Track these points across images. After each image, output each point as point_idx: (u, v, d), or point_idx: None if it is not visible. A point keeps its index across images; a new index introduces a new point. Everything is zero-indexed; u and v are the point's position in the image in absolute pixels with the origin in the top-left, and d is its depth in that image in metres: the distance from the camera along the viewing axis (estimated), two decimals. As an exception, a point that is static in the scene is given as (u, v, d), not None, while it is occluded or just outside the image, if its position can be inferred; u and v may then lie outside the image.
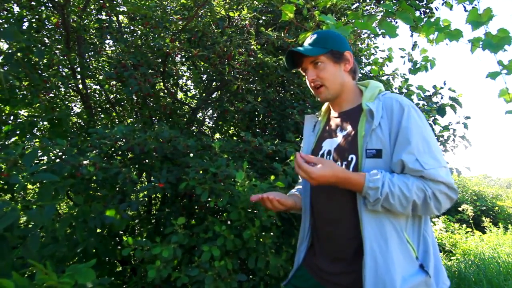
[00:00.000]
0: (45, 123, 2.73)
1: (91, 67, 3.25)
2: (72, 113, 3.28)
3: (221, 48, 2.83)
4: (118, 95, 3.40)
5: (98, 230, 2.06)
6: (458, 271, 3.28)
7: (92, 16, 3.20)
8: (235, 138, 3.25)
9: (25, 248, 1.21)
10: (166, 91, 3.25)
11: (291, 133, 2.61)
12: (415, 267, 1.00)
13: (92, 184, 2.11)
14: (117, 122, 3.25)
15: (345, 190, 1.05)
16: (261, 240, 1.86)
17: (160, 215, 2.53)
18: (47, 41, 2.87)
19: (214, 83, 3.59)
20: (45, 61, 2.62)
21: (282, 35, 2.96)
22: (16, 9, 2.74)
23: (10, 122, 2.55)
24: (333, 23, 1.72)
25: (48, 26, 2.88)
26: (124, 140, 2.01)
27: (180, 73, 3.62)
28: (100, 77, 3.37)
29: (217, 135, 3.71)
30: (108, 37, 2.86)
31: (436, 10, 5.19)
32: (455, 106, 2.95)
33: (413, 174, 0.99)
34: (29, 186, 3.21)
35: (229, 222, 1.92)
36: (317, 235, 1.22)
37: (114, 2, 2.97)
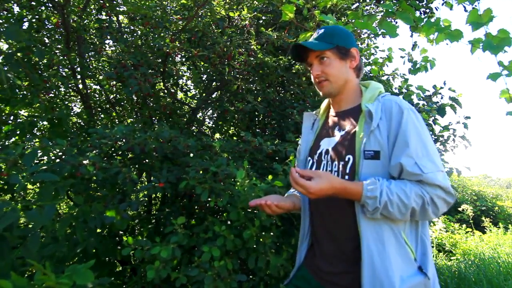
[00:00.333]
0: (45, 123, 2.74)
1: (91, 67, 3.25)
2: (72, 113, 3.28)
3: (221, 48, 2.83)
4: (118, 95, 3.40)
5: (98, 230, 2.06)
6: (458, 271, 3.28)
7: (92, 16, 3.20)
8: (235, 138, 3.25)
9: (25, 248, 1.21)
10: (166, 91, 3.25)
11: (291, 133, 2.61)
12: (413, 269, 1.00)
13: (92, 184, 2.11)
14: (117, 122, 3.25)
15: None
16: (261, 240, 1.86)
17: (160, 215, 2.53)
18: (47, 41, 2.87)
19: (214, 83, 3.59)
20: (45, 61, 2.62)
21: (282, 35, 2.96)
22: (16, 9, 2.74)
23: (10, 122, 2.55)
24: (333, 22, 1.72)
25: (48, 26, 2.88)
26: (124, 140, 2.01)
27: (180, 73, 3.62)
28: (100, 77, 3.37)
29: (217, 135, 3.71)
30: (108, 37, 2.86)
31: (436, 10, 5.19)
32: (455, 106, 2.95)
33: (411, 178, 0.99)
34: (29, 186, 3.21)
35: (229, 222, 1.92)
36: (316, 234, 1.22)
37: (114, 2, 2.97)
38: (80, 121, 3.33)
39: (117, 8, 3.09)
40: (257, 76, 3.32)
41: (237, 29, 3.41)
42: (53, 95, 2.93)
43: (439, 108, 2.96)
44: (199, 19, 3.13)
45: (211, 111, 3.80)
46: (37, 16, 2.72)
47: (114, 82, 3.20)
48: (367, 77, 3.31)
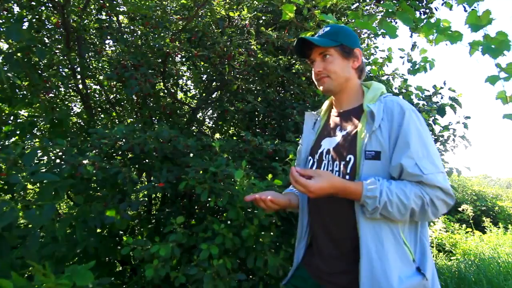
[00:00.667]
0: (45, 123, 2.73)
1: (91, 67, 3.25)
2: (72, 113, 3.28)
3: (221, 48, 2.83)
4: (118, 95, 3.40)
5: (98, 230, 2.06)
6: (458, 271, 3.28)
7: (92, 16, 3.19)
8: (235, 138, 3.25)
9: (25, 248, 1.21)
10: (166, 91, 3.25)
11: (291, 133, 2.61)
12: (412, 269, 1.00)
13: (92, 184, 2.11)
14: (117, 122, 3.25)
15: None
16: (260, 239, 1.86)
17: (160, 215, 2.53)
18: (47, 41, 2.87)
19: (214, 83, 3.59)
20: (45, 61, 2.62)
21: (283, 35, 2.97)
22: (16, 9, 2.74)
23: (10, 122, 2.55)
24: (333, 22, 1.73)
25: (48, 26, 2.88)
26: (124, 140, 2.01)
27: (180, 73, 3.62)
28: (100, 77, 3.37)
29: (217, 135, 3.71)
30: (108, 37, 2.86)
31: (436, 10, 5.19)
32: (455, 106, 2.95)
33: (412, 179, 0.99)
34: (29, 186, 3.21)
35: (228, 222, 1.92)
36: (315, 234, 1.22)
37: (114, 2, 2.97)
38: (80, 121, 3.33)
39: (117, 8, 3.09)
40: (257, 76, 3.32)
41: (237, 29, 3.41)
42: (53, 95, 2.93)
43: (439, 108, 2.96)
44: (199, 19, 3.13)
45: (211, 111, 3.80)
46: (37, 16, 2.71)
47: (114, 82, 3.20)
48: (367, 77, 3.31)
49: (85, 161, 1.73)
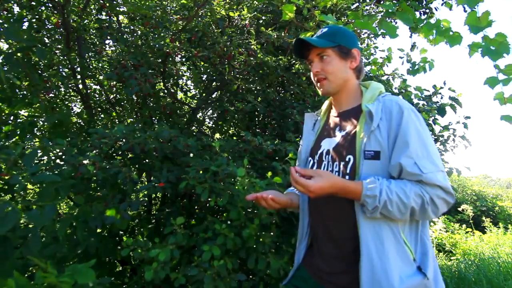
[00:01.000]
0: (45, 123, 2.73)
1: (91, 67, 3.25)
2: (72, 113, 3.28)
3: (221, 48, 2.83)
4: (118, 95, 3.40)
5: (98, 230, 2.06)
6: (458, 271, 3.28)
7: (92, 16, 3.19)
8: (235, 138, 3.25)
9: (26, 249, 1.21)
10: (166, 91, 3.25)
11: (291, 133, 2.61)
12: (412, 269, 1.00)
13: (92, 184, 2.11)
14: (117, 122, 3.25)
15: None
16: (261, 240, 1.86)
17: (160, 215, 2.53)
18: (47, 41, 2.87)
19: (214, 83, 3.59)
20: (45, 61, 2.62)
21: (283, 34, 2.97)
22: (16, 9, 2.74)
23: (10, 122, 2.55)
24: (333, 22, 1.73)
25: (48, 26, 2.88)
26: (124, 140, 2.01)
27: (180, 73, 3.62)
28: (100, 77, 3.37)
29: (217, 135, 3.71)
30: (108, 37, 2.86)
31: (436, 10, 5.18)
32: (455, 106, 2.95)
33: (411, 178, 0.99)
34: (29, 186, 3.21)
35: (229, 222, 1.92)
36: (315, 234, 1.22)
37: (114, 2, 2.97)
38: (80, 121, 3.33)
39: (117, 8, 3.09)
40: (257, 76, 3.32)
41: (237, 29, 3.41)
42: (53, 95, 2.93)
43: (439, 108, 2.96)
44: (199, 19, 3.13)
45: (211, 111, 3.80)
46: (37, 16, 2.71)
47: (114, 82, 3.20)
48: (367, 77, 3.32)
49: (85, 161, 1.73)
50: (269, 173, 1.94)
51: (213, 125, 3.78)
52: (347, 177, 1.07)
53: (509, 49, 1.35)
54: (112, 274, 2.33)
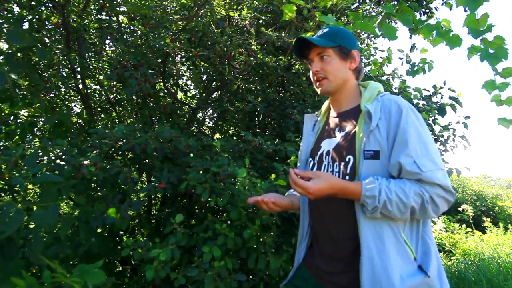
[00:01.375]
0: (46, 123, 2.73)
1: (91, 67, 3.25)
2: (72, 113, 3.28)
3: (221, 48, 2.83)
4: (118, 95, 3.40)
5: (99, 230, 2.06)
6: (458, 271, 3.28)
7: (92, 16, 3.19)
8: (235, 138, 3.25)
9: (29, 249, 1.22)
10: (166, 91, 3.25)
11: (291, 133, 2.61)
12: (413, 268, 1.00)
13: (92, 184, 2.11)
14: (117, 122, 3.25)
15: None
16: (261, 240, 1.86)
17: (160, 215, 2.53)
18: (47, 41, 2.87)
19: (214, 83, 3.59)
20: (45, 61, 2.62)
21: (283, 35, 2.97)
22: (16, 9, 2.74)
23: (10, 122, 2.55)
24: (333, 23, 1.73)
25: (48, 26, 2.88)
26: (124, 140, 2.01)
27: (180, 73, 3.62)
28: (100, 77, 3.37)
29: (217, 135, 3.71)
30: (108, 37, 2.86)
31: (436, 10, 5.18)
32: (455, 106, 2.95)
33: (411, 177, 0.99)
34: (29, 186, 3.21)
35: (229, 222, 1.92)
36: (316, 234, 1.22)
37: (114, 2, 2.97)
38: (80, 121, 3.33)
39: (117, 8, 3.09)
40: (257, 76, 3.32)
41: (237, 29, 3.41)
42: (53, 95, 2.93)
43: (439, 108, 2.96)
44: (199, 19, 3.13)
45: (211, 111, 3.80)
46: (37, 16, 2.71)
47: (114, 82, 3.20)
48: (367, 76, 3.32)
49: (86, 162, 1.73)
50: (273, 176, 1.94)
51: (213, 125, 3.78)
52: (347, 177, 1.07)
53: (507, 54, 1.36)
54: (112, 274, 2.33)
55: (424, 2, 4.77)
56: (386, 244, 0.99)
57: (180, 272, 1.73)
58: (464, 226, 5.91)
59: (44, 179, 1.29)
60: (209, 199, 1.86)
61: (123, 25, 3.33)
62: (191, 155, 2.31)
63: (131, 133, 2.06)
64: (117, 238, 2.35)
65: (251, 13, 3.24)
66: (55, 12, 2.85)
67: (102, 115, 3.43)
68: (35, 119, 2.69)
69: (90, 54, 3.14)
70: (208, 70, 3.46)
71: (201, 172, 1.96)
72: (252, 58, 2.96)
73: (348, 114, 1.19)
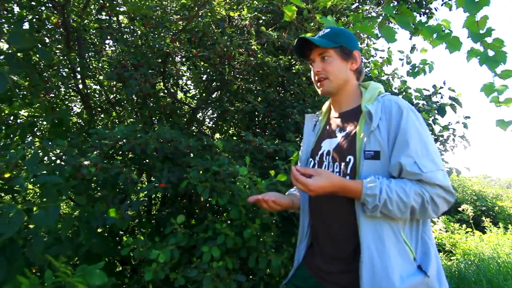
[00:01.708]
0: (45, 123, 2.73)
1: (91, 67, 3.25)
2: (72, 113, 3.28)
3: (221, 48, 2.83)
4: (118, 95, 3.40)
5: (99, 230, 2.06)
6: (458, 271, 3.28)
7: (92, 16, 3.19)
8: (235, 138, 3.25)
9: (30, 250, 1.22)
10: (166, 91, 3.25)
11: (291, 133, 2.61)
12: (413, 268, 1.00)
13: (93, 185, 2.11)
14: (117, 122, 3.25)
15: None
16: (261, 239, 1.86)
17: (160, 215, 2.53)
18: (47, 41, 2.87)
19: (214, 83, 3.59)
20: (45, 61, 2.62)
21: (284, 35, 2.97)
22: (16, 9, 2.74)
23: (10, 122, 2.55)
24: (333, 25, 1.72)
25: (48, 26, 2.88)
26: (125, 140, 2.01)
27: (180, 73, 3.62)
28: (100, 77, 3.37)
29: (217, 135, 3.71)
30: (108, 37, 2.86)
31: (436, 10, 5.17)
32: (455, 106, 2.95)
33: (411, 177, 0.99)
34: (29, 186, 3.21)
35: (229, 222, 1.92)
36: (316, 234, 1.23)
37: (114, 2, 2.97)
38: (80, 121, 3.33)
39: (117, 8, 3.09)
40: (257, 76, 3.32)
41: (237, 29, 3.41)
42: (53, 95, 2.93)
43: (439, 108, 2.96)
44: (199, 19, 3.13)
45: (211, 111, 3.80)
46: (37, 16, 2.71)
47: (114, 82, 3.20)
48: (367, 77, 3.32)
49: (86, 162, 1.73)
50: (272, 172, 1.94)
51: (213, 125, 3.78)
52: (347, 177, 1.08)
53: (505, 58, 1.37)
54: (112, 274, 2.33)
55: (424, 3, 4.77)
56: (386, 243, 0.99)
57: (180, 273, 1.73)
58: (464, 226, 5.91)
59: (44, 180, 1.29)
60: (210, 198, 1.86)
61: (123, 25, 3.32)
62: (191, 155, 2.31)
63: (131, 134, 2.06)
64: (117, 238, 2.35)
65: (251, 13, 3.24)
66: (55, 12, 2.85)
67: (102, 115, 3.43)
68: (35, 119, 2.69)
69: (90, 54, 3.14)
70: (208, 70, 3.46)
71: (201, 172, 1.96)
72: (252, 58, 2.96)
73: (349, 114, 1.19)
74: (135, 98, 3.11)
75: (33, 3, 2.65)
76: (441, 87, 3.12)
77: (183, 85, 3.90)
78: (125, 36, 2.99)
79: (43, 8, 2.84)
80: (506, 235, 5.27)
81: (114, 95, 3.42)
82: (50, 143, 1.73)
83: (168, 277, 1.71)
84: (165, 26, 2.98)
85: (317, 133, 1.30)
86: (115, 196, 1.90)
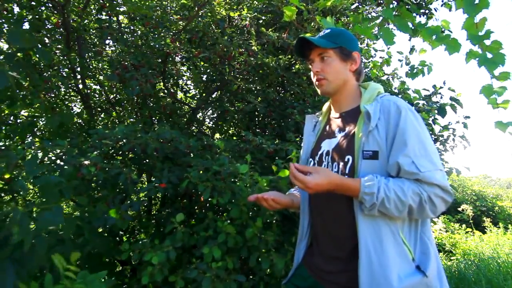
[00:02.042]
0: (48, 126, 2.73)
1: (91, 67, 3.25)
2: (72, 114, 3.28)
3: (221, 48, 2.83)
4: (118, 95, 3.40)
5: (99, 230, 2.07)
6: (458, 271, 3.29)
7: (92, 16, 3.19)
8: (235, 138, 3.26)
9: (33, 251, 1.21)
10: (166, 91, 3.25)
11: (291, 133, 2.61)
12: (411, 268, 1.00)
13: (93, 185, 2.11)
14: (117, 122, 3.25)
15: None
16: (262, 237, 1.86)
17: (160, 215, 2.54)
18: (47, 41, 2.87)
19: (214, 83, 3.60)
20: (45, 61, 2.62)
21: (284, 36, 2.97)
22: (16, 9, 2.74)
23: (10, 122, 2.55)
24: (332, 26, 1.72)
25: (48, 26, 2.88)
26: (125, 140, 2.02)
27: (180, 73, 3.62)
28: (100, 77, 3.37)
29: (217, 135, 3.71)
30: (108, 37, 2.86)
31: (436, 10, 5.16)
32: (455, 106, 2.95)
33: (409, 177, 1.00)
34: (29, 186, 3.21)
35: (229, 221, 1.92)
36: (315, 234, 1.23)
37: (114, 2, 2.97)
38: (80, 121, 3.33)
39: (117, 8, 3.09)
40: (257, 76, 3.32)
41: (237, 29, 3.41)
42: (53, 95, 2.94)
43: (440, 108, 2.96)
44: (200, 19, 3.13)
45: (211, 111, 3.81)
46: (37, 16, 2.72)
47: (114, 82, 3.20)
48: (367, 77, 3.32)
49: (86, 162, 1.73)
50: (274, 167, 1.94)
51: (213, 125, 3.78)
52: (346, 177, 1.08)
53: (504, 60, 1.37)
54: (112, 274, 2.33)
55: (424, 3, 4.77)
56: (384, 243, 0.99)
57: (179, 274, 1.73)
58: (464, 226, 5.91)
59: (46, 181, 1.29)
60: (210, 198, 1.86)
61: (123, 25, 3.33)
62: (191, 155, 2.32)
63: (131, 133, 2.06)
64: (117, 238, 2.35)
65: (251, 13, 3.25)
66: (55, 12, 2.85)
67: (102, 115, 3.43)
68: (35, 119, 2.69)
69: (90, 54, 3.14)
70: (208, 70, 3.47)
71: (201, 171, 1.96)
72: (252, 58, 2.96)
73: (348, 114, 1.20)
74: (135, 98, 3.11)
75: (33, 3, 2.65)
76: (441, 87, 3.12)
77: (183, 85, 3.90)
78: (125, 36, 2.99)
79: (43, 8, 2.84)
80: (506, 235, 5.27)
81: (114, 95, 3.42)
82: (50, 143, 1.73)
83: (167, 277, 1.71)
84: (165, 26, 2.98)
85: (317, 134, 1.31)
86: (115, 196, 1.90)
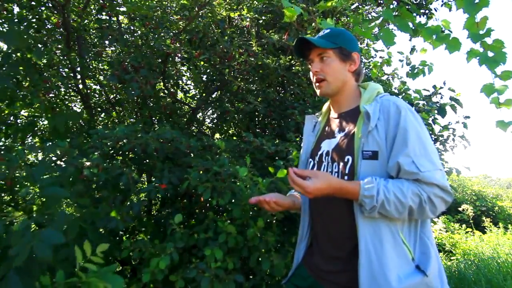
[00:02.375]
0: (46, 122, 2.74)
1: (91, 67, 3.25)
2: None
3: (221, 48, 2.83)
4: (118, 95, 3.40)
5: (99, 230, 2.06)
6: (458, 271, 3.29)
7: (92, 16, 3.19)
8: (235, 138, 3.26)
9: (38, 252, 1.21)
10: (166, 91, 3.25)
11: (292, 133, 2.61)
12: (411, 268, 1.00)
13: (93, 185, 2.11)
14: (117, 122, 3.25)
15: None
16: (263, 237, 1.86)
17: (160, 216, 2.53)
18: (47, 41, 2.87)
19: (214, 83, 3.60)
20: (45, 61, 2.62)
21: (284, 37, 2.97)
22: (16, 9, 2.74)
23: (10, 122, 2.55)
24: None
25: (48, 26, 2.88)
26: (125, 140, 2.02)
27: (180, 73, 3.62)
28: (100, 77, 3.37)
29: (217, 135, 3.71)
30: (109, 37, 2.86)
31: (436, 11, 5.17)
32: (455, 106, 2.95)
33: (409, 177, 0.99)
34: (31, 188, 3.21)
35: (229, 221, 1.92)
36: (315, 234, 1.23)
37: (114, 2, 2.97)
38: (80, 121, 3.33)
39: (117, 8, 3.09)
40: (257, 77, 3.32)
41: (237, 30, 3.41)
42: (53, 95, 2.94)
43: (440, 108, 2.96)
44: (200, 19, 3.13)
45: (211, 111, 3.81)
46: (37, 16, 2.72)
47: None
48: (367, 77, 3.32)
49: (87, 163, 1.73)
50: (271, 169, 1.93)
51: (213, 125, 3.78)
52: (346, 177, 1.08)
53: (505, 58, 1.36)
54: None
55: (424, 3, 4.77)
56: (384, 244, 0.99)
57: (179, 274, 1.73)
58: (464, 226, 5.91)
59: (51, 192, 1.28)
60: (210, 198, 1.86)
61: (123, 25, 3.33)
62: (192, 155, 2.31)
63: (132, 134, 2.06)
64: (117, 238, 2.35)
65: (251, 14, 3.24)
66: (55, 12, 2.85)
67: (102, 115, 3.43)
68: (35, 119, 2.69)
69: (90, 54, 3.14)
70: (208, 71, 3.47)
71: (201, 172, 1.96)
72: (252, 59, 2.96)
73: (348, 115, 1.20)
74: (135, 98, 3.11)
75: (33, 3, 2.65)
76: (441, 87, 3.12)
77: (183, 85, 3.90)
78: (125, 37, 2.99)
79: (43, 8, 2.84)
80: (506, 235, 5.27)
81: (114, 95, 3.42)
82: (50, 143, 1.73)
83: (168, 276, 1.71)
84: (165, 27, 2.98)
85: (317, 134, 1.31)
86: (116, 197, 1.90)
